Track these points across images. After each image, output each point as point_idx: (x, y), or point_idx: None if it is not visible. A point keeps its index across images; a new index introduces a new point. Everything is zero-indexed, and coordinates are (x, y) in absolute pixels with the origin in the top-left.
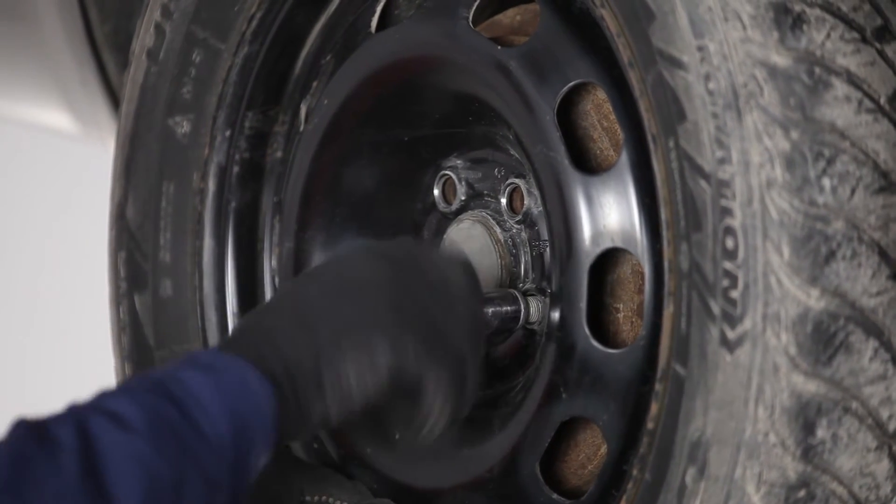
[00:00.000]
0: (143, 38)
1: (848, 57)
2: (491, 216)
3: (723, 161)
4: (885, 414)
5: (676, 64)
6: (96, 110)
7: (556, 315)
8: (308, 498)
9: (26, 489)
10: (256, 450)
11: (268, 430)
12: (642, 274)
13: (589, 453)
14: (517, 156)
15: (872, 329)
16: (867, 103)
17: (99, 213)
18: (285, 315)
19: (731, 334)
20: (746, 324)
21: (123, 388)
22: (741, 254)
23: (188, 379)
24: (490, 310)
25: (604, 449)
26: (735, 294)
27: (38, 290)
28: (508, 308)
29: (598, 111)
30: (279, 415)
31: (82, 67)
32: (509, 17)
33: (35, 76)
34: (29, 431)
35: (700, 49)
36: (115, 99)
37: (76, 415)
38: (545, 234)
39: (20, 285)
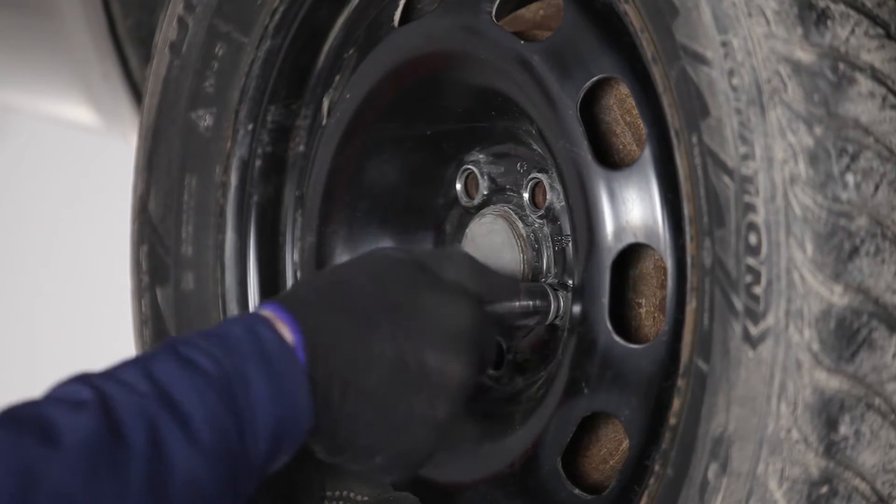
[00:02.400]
0: (166, 32)
1: (872, 53)
2: (513, 211)
3: (746, 157)
4: None
5: (700, 60)
6: (118, 104)
7: (578, 310)
8: (329, 493)
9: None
10: (280, 460)
11: (296, 446)
12: (665, 269)
13: (611, 448)
14: (540, 150)
15: None
16: (891, 99)
17: (121, 207)
18: (356, 327)
19: (753, 330)
20: (769, 320)
21: (193, 371)
22: (764, 250)
23: (254, 382)
24: (524, 303)
25: (625, 444)
26: (758, 290)
27: (60, 283)
28: (540, 303)
29: (620, 106)
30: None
31: (105, 61)
32: (532, 11)
33: (58, 70)
34: (99, 417)
35: (724, 45)
36: (137, 93)
37: (146, 411)
38: (567, 229)
39: (42, 279)
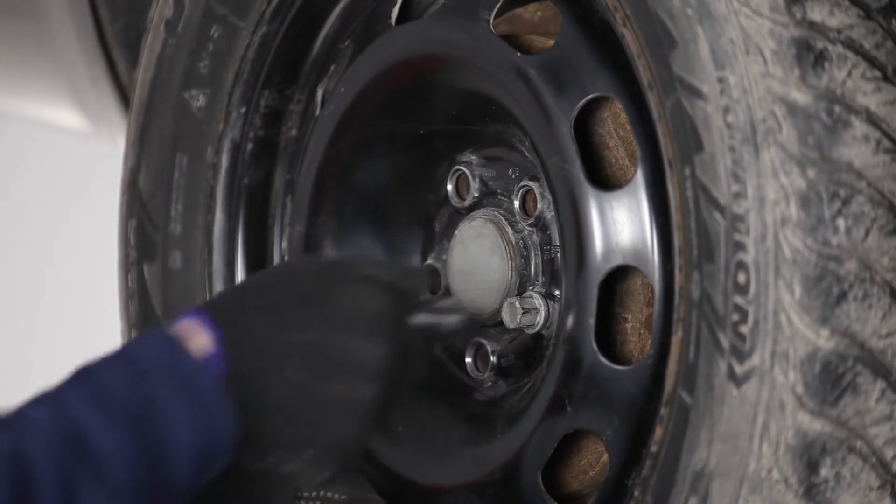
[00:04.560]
0: (162, 9)
1: (868, 96)
2: (503, 216)
3: (738, 195)
4: (889, 453)
5: (696, 94)
6: (106, 108)
7: (564, 326)
8: (306, 493)
9: None
10: (208, 476)
11: (225, 460)
12: (652, 287)
13: (591, 459)
14: (532, 158)
15: (881, 370)
16: (885, 143)
17: (108, 209)
18: (268, 318)
19: (738, 369)
20: (755, 360)
21: (106, 404)
22: (752, 289)
23: (171, 409)
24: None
25: (606, 456)
26: (745, 329)
27: (45, 282)
28: (526, 308)
29: (615, 119)
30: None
31: (92, 65)
32: (530, 11)
33: (45, 74)
34: (11, 477)
35: (720, 81)
36: (124, 96)
37: (59, 466)
38: (557, 240)
39: (28, 279)
